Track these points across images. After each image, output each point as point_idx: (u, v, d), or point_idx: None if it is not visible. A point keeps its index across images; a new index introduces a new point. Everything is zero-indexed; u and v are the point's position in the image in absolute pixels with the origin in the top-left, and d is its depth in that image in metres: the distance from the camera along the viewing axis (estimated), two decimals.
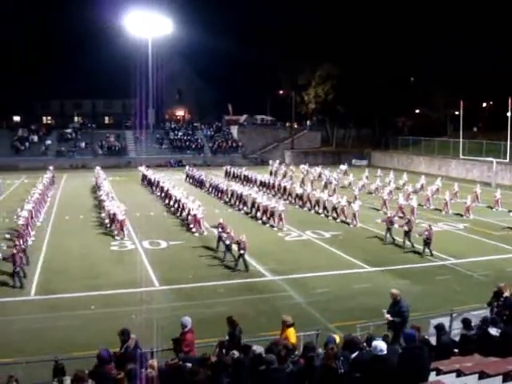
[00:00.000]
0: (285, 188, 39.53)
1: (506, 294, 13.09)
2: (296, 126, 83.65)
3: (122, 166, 65.51)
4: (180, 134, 76.84)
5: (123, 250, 24.64)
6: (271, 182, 42.39)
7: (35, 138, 70.16)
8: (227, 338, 11.61)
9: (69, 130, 73.26)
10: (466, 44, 61.26)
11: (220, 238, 23.28)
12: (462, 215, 33.06)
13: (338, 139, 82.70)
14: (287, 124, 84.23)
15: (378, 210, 34.19)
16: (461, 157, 53.76)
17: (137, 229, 28.39)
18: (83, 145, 70.39)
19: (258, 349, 9.47)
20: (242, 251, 21.17)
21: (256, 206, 32.25)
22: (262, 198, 32.55)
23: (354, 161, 69.78)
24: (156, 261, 22.68)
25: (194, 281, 20.15)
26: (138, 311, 16.28)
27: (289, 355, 9.42)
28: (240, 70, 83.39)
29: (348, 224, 30.24)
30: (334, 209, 31.97)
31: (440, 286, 19.58)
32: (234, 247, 22.09)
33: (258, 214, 31.77)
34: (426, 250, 23.46)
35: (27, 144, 68.65)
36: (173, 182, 40.94)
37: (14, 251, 19.61)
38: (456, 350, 10.58)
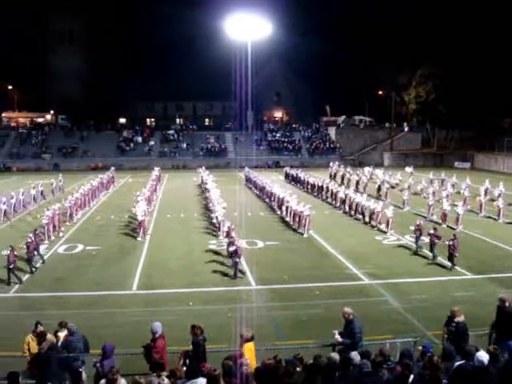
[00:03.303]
0: (332, 191, 38.56)
1: (458, 318, 12.11)
2: (395, 127, 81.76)
3: (221, 166, 66.90)
4: (278, 135, 77.45)
5: (221, 249, 25.15)
6: (319, 184, 41.83)
7: (139, 139, 73.27)
8: (191, 347, 11.35)
9: (171, 132, 75.90)
10: None
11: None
12: None
13: (439, 140, 79.95)
14: (386, 125, 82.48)
15: (426, 217, 31.11)
16: None
17: (236, 228, 28.89)
18: (184, 146, 72.71)
19: (356, 356, 9.33)
20: (236, 258, 20.91)
21: (288, 209, 31.58)
22: (293, 202, 31.42)
23: (456, 163, 67.37)
24: (253, 260, 22.98)
25: (290, 282, 20.23)
26: (234, 309, 16.55)
27: (385, 362, 9.27)
28: (338, 70, 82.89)
29: (384, 232, 28.46)
30: (372, 215, 30.46)
31: None
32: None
33: (288, 218, 31.43)
34: (450, 263, 21.86)
35: (132, 145, 71.86)
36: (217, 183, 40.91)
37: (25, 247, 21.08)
38: None
